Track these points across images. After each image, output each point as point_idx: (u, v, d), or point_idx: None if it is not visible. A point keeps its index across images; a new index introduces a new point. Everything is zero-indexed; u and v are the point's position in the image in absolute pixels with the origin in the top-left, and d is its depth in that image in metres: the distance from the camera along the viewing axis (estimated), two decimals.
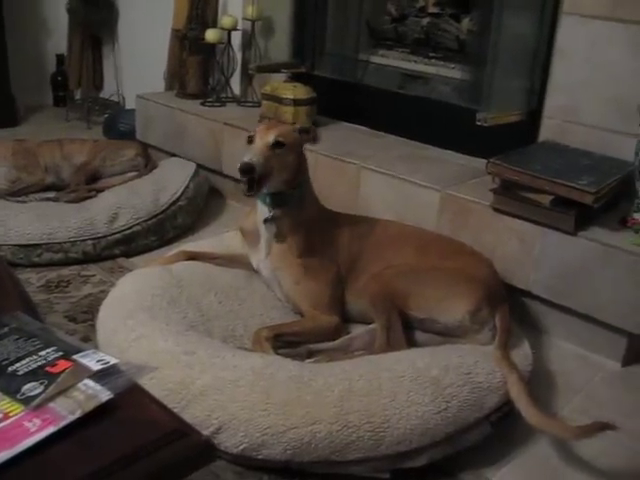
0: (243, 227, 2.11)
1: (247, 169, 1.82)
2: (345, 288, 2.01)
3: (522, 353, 1.85)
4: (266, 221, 1.96)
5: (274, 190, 1.92)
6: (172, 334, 1.70)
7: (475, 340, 1.83)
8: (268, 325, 1.89)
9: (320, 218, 2.04)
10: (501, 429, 1.69)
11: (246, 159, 1.83)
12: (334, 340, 1.90)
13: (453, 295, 1.85)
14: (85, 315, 2.15)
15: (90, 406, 0.89)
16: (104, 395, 0.91)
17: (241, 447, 1.49)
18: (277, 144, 1.89)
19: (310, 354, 1.83)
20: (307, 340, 1.87)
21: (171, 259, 2.16)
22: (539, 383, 1.91)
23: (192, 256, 2.17)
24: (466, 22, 2.88)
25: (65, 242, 2.49)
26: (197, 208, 2.93)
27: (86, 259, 2.52)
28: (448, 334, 1.85)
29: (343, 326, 1.96)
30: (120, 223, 2.60)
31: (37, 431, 0.86)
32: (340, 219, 2.10)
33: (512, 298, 2.05)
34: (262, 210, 1.97)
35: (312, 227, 1.99)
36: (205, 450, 0.94)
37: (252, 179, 1.83)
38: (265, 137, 1.90)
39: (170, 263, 2.12)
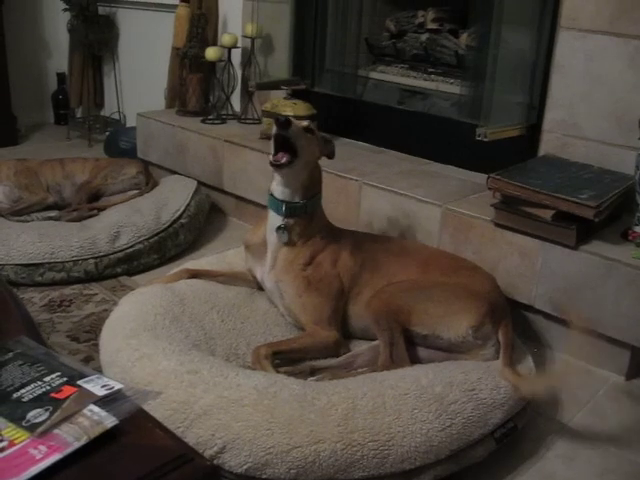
0: (248, 241, 2.12)
1: (284, 122, 1.83)
2: (347, 303, 2.01)
3: (525, 367, 1.85)
4: (279, 229, 1.96)
5: (290, 198, 1.94)
6: (175, 353, 1.70)
7: (478, 356, 1.83)
8: (267, 343, 1.88)
9: (326, 233, 2.05)
10: (506, 445, 1.68)
11: (284, 118, 1.85)
12: (334, 355, 1.90)
13: (456, 311, 1.85)
14: (88, 334, 2.15)
15: (96, 432, 0.90)
16: (109, 421, 0.91)
17: (245, 467, 1.48)
18: (308, 130, 1.93)
19: (313, 371, 1.83)
20: (307, 356, 1.87)
21: (173, 277, 2.16)
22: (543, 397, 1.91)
23: (194, 274, 2.17)
24: (465, 37, 2.89)
25: (67, 261, 2.49)
26: (199, 225, 2.93)
27: (88, 278, 2.52)
28: (451, 350, 1.84)
29: (343, 341, 1.96)
30: (122, 242, 2.60)
31: (43, 458, 0.86)
32: (344, 235, 2.11)
33: (515, 313, 2.05)
34: (274, 218, 1.97)
35: (318, 241, 2.01)
36: (210, 474, 0.94)
37: (284, 142, 1.84)
38: (298, 121, 1.93)
39: (172, 282, 2.12)
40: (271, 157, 1.87)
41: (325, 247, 2.01)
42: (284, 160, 1.86)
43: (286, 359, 1.84)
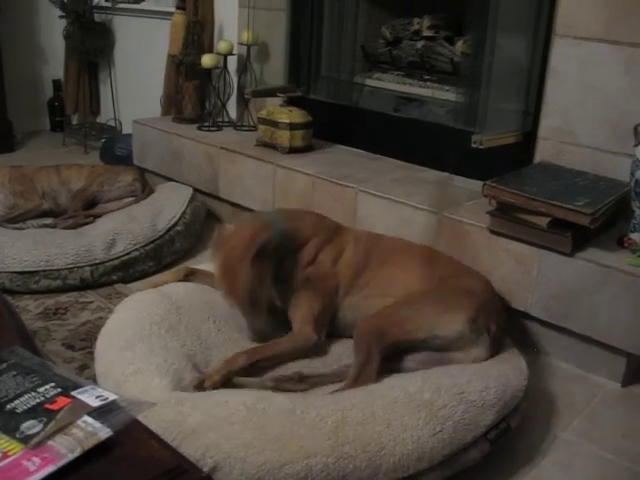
0: None
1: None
2: (344, 297, 2.03)
3: (517, 368, 1.84)
4: None
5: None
6: (169, 373, 1.70)
7: (471, 354, 1.83)
8: (246, 350, 1.87)
9: (327, 231, 2.10)
10: (501, 452, 1.68)
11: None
12: (310, 357, 1.92)
13: (452, 305, 1.86)
14: (83, 342, 2.14)
15: (90, 444, 0.89)
16: (103, 432, 0.91)
17: None
18: None
19: (302, 378, 1.82)
20: (285, 361, 1.89)
21: (172, 276, 2.19)
22: (539, 404, 1.91)
23: (192, 272, 2.19)
24: (460, 45, 2.90)
25: (63, 269, 2.48)
26: (194, 233, 2.93)
27: (84, 285, 2.52)
28: (448, 349, 1.84)
29: (324, 345, 1.97)
30: (118, 249, 2.60)
31: (37, 470, 0.85)
32: (347, 232, 2.16)
33: (511, 320, 2.06)
34: None
35: (319, 240, 2.06)
36: None
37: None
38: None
39: (171, 280, 2.15)
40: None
41: (326, 245, 2.06)
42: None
43: (263, 367, 1.85)
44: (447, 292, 1.93)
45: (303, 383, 1.80)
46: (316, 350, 1.94)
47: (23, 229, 2.75)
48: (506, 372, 1.77)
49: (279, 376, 1.81)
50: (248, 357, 1.81)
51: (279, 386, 1.76)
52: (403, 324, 1.83)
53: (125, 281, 2.60)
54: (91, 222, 2.80)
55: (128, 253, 2.61)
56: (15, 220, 2.81)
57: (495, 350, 1.86)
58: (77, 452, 0.88)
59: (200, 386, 1.69)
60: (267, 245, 1.92)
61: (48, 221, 2.83)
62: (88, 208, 2.92)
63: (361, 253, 2.08)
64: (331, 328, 2.02)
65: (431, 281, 2.00)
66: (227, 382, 1.74)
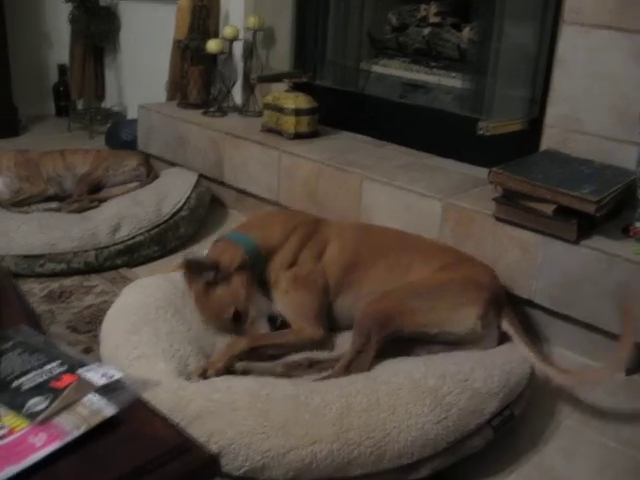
0: None
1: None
2: (338, 294, 2.01)
3: (522, 356, 1.84)
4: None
5: None
6: (175, 358, 1.70)
7: (481, 347, 1.83)
8: (246, 336, 1.87)
9: (303, 230, 2.07)
10: (505, 439, 1.68)
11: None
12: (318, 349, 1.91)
13: (463, 303, 1.85)
14: (88, 326, 2.15)
15: (95, 421, 0.90)
16: (109, 410, 0.91)
17: (242, 470, 1.46)
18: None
19: (311, 364, 1.82)
20: (287, 352, 1.87)
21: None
22: (542, 392, 1.91)
23: None
24: (467, 31, 2.88)
25: (67, 252, 2.49)
26: (199, 218, 2.93)
27: (88, 269, 2.53)
28: (459, 344, 1.84)
29: (329, 338, 1.95)
30: (122, 233, 2.60)
31: (43, 446, 0.86)
32: (329, 226, 2.14)
33: (514, 307, 2.05)
34: None
35: (295, 241, 2.04)
36: (209, 465, 0.94)
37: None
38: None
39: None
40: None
41: (305, 245, 2.03)
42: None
43: (264, 354, 1.84)
44: (457, 285, 1.91)
45: (312, 369, 1.80)
46: (322, 346, 1.93)
47: (28, 213, 2.75)
48: (510, 360, 1.78)
49: (289, 362, 1.81)
50: (249, 342, 1.81)
51: (289, 372, 1.76)
52: (413, 315, 1.82)
53: (130, 265, 2.61)
54: (96, 206, 2.80)
55: (133, 237, 2.61)
56: (20, 204, 2.81)
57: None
58: (82, 429, 0.89)
59: (204, 375, 1.68)
60: (244, 265, 1.94)
61: (53, 205, 2.83)
62: (93, 192, 2.92)
63: (348, 249, 2.05)
64: (329, 324, 2.01)
65: (432, 271, 1.98)
66: (231, 369, 1.74)
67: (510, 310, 1.91)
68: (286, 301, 1.97)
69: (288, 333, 1.91)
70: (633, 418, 1.88)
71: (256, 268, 1.98)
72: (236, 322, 1.89)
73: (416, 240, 2.17)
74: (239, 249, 1.97)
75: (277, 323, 1.91)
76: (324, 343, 1.93)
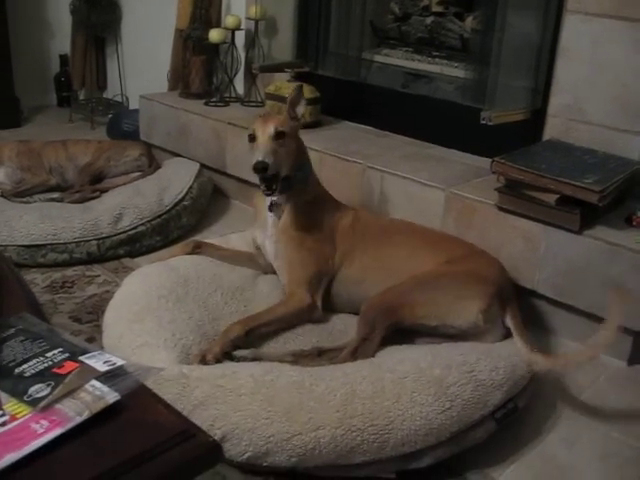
0: (257, 204, 2.16)
1: (261, 167, 1.86)
2: (337, 273, 2.03)
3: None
4: (271, 207, 2.03)
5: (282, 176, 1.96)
6: (177, 347, 1.71)
7: (484, 340, 1.83)
8: (239, 320, 1.86)
9: (323, 201, 2.11)
10: (507, 428, 1.68)
11: (259, 158, 1.87)
12: (308, 320, 1.93)
13: (465, 296, 1.84)
14: (90, 316, 2.15)
15: (97, 407, 0.89)
16: (111, 396, 0.91)
17: (245, 455, 1.47)
18: (279, 135, 1.94)
19: (321, 353, 1.82)
20: (282, 327, 1.89)
21: (181, 249, 2.21)
22: (545, 382, 1.91)
23: (200, 245, 2.22)
24: (470, 21, 2.87)
25: (70, 242, 2.49)
26: (201, 208, 2.93)
27: (90, 259, 2.52)
28: (461, 337, 1.83)
29: (318, 308, 1.96)
30: (124, 223, 2.60)
31: (45, 433, 0.86)
32: (345, 209, 2.15)
33: (518, 297, 2.05)
34: (267, 197, 2.01)
35: (314, 207, 2.06)
36: (212, 451, 0.94)
37: (268, 177, 1.88)
38: (266, 130, 1.94)
39: (180, 253, 2.18)
40: (263, 189, 1.93)
41: (322, 214, 2.07)
42: (275, 198, 1.99)
43: (260, 334, 1.85)
44: (460, 279, 1.90)
45: (322, 358, 1.80)
46: (311, 315, 1.94)
47: (30, 203, 2.75)
48: (515, 352, 1.77)
49: (298, 350, 1.82)
50: (243, 326, 1.82)
51: (298, 361, 1.77)
52: (413, 308, 1.82)
53: (132, 255, 2.60)
54: (98, 197, 2.80)
55: (134, 227, 2.61)
56: (22, 194, 2.81)
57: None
58: (85, 415, 0.88)
59: (203, 360, 1.70)
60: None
61: (55, 195, 2.83)
62: (95, 183, 2.92)
63: (359, 230, 2.07)
64: (327, 304, 2.01)
65: (438, 263, 1.98)
66: (229, 355, 1.75)
67: (515, 304, 1.90)
68: (288, 260, 2.00)
69: (277, 306, 1.93)
70: (635, 408, 1.88)
71: (300, 183, 2.03)
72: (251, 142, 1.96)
73: (425, 232, 2.17)
74: None
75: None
76: (313, 311, 1.94)
